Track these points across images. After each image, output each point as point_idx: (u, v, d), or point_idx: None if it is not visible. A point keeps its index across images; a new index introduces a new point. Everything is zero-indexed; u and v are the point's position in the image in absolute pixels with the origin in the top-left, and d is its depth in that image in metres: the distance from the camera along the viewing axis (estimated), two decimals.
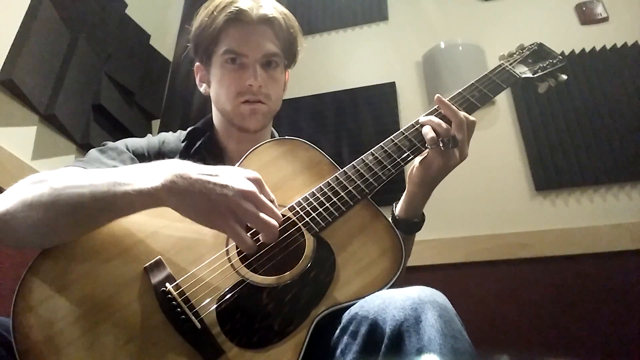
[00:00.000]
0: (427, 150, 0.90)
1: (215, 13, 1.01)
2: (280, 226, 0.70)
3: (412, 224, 0.99)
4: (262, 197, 0.69)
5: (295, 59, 1.11)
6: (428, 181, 0.93)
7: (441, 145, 0.86)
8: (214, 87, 1.05)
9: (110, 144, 0.99)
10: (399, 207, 1.01)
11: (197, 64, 1.10)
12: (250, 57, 1.00)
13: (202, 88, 1.10)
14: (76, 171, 0.80)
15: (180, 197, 0.67)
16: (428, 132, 0.88)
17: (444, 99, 0.91)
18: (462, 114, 0.90)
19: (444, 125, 0.87)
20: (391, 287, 0.74)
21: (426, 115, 0.92)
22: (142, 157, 0.99)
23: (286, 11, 1.07)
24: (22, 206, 0.70)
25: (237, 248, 0.75)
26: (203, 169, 0.69)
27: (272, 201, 0.71)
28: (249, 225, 0.69)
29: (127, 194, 0.67)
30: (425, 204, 0.98)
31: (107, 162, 0.93)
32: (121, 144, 1.00)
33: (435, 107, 0.93)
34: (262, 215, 0.68)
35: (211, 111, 1.14)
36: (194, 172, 0.68)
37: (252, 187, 0.68)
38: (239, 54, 1.00)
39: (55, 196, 0.70)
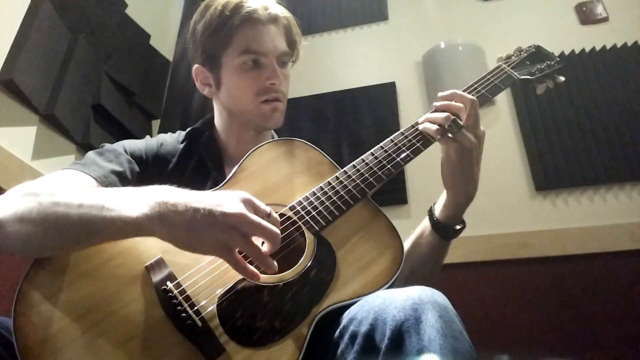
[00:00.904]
0: (443, 151, 0.90)
1: (226, 13, 0.98)
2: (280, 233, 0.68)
3: (452, 230, 0.94)
4: (252, 217, 0.64)
5: (297, 57, 1.11)
6: (457, 174, 0.90)
7: (448, 133, 0.86)
8: (228, 88, 1.03)
9: (108, 145, 0.99)
10: (438, 210, 0.95)
11: (196, 66, 1.06)
12: (269, 56, 1.00)
13: (206, 91, 1.07)
14: (67, 187, 0.78)
15: (168, 229, 0.64)
16: (430, 127, 0.89)
17: (438, 103, 0.93)
18: (459, 95, 0.91)
19: (441, 115, 0.88)
20: (391, 285, 0.74)
21: (425, 116, 0.93)
22: (139, 159, 0.99)
23: (286, 10, 1.07)
24: (12, 219, 0.70)
25: None
26: (191, 197, 0.65)
27: (268, 215, 0.68)
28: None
29: (113, 222, 0.65)
30: (467, 207, 0.93)
31: (105, 164, 0.92)
32: (119, 146, 1.00)
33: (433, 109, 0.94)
34: (250, 242, 0.65)
35: (211, 111, 1.13)
36: (183, 201, 0.64)
37: (241, 210, 0.64)
38: (259, 53, 0.99)
39: (43, 214, 0.69)
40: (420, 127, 0.91)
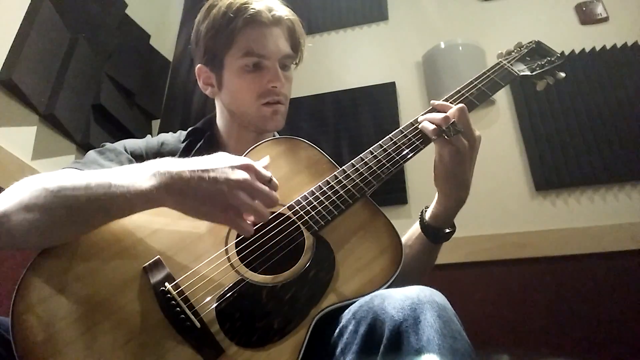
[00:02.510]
0: (437, 152, 0.90)
1: (230, 14, 0.98)
2: (276, 222, 0.73)
3: (442, 234, 0.94)
4: (256, 183, 0.70)
5: (301, 59, 1.11)
6: (450, 177, 0.90)
7: (444, 135, 0.85)
8: (229, 89, 1.03)
9: (108, 145, 0.99)
10: (429, 213, 0.96)
11: (199, 65, 1.06)
12: (271, 58, 1.00)
13: (208, 91, 1.08)
14: (72, 173, 0.79)
15: (177, 196, 0.68)
16: (428, 126, 0.89)
17: (436, 101, 0.93)
18: (448, 106, 0.91)
19: (440, 115, 0.87)
20: (390, 285, 0.74)
21: (423, 114, 0.93)
22: (140, 158, 0.99)
23: (291, 11, 1.07)
24: (18, 208, 0.70)
25: (236, 247, 0.76)
26: (195, 165, 0.69)
27: (269, 180, 0.72)
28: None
29: (123, 196, 0.67)
30: (458, 211, 0.93)
31: (105, 163, 0.92)
32: (119, 145, 1.00)
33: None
34: (255, 204, 0.70)
35: (211, 111, 1.13)
36: (188, 169, 0.68)
37: (244, 176, 0.69)
38: (261, 56, 0.99)
39: (51, 198, 0.70)
40: (420, 125, 0.91)
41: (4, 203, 0.72)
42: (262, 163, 0.76)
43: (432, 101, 0.94)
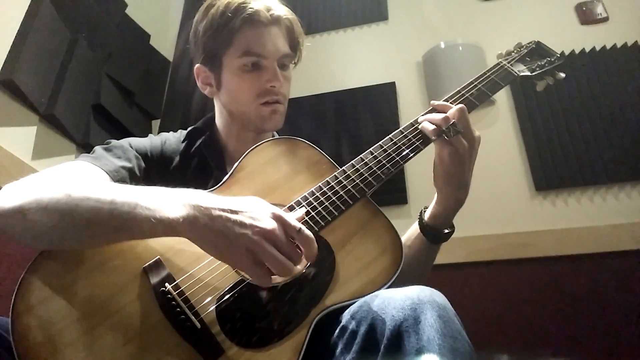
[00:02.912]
0: (436, 153, 0.90)
1: (228, 14, 0.98)
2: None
3: (441, 234, 0.94)
4: (280, 236, 0.65)
5: (300, 58, 1.11)
6: (449, 177, 0.89)
7: (444, 135, 0.85)
8: (228, 89, 1.03)
9: (114, 142, 0.98)
10: (427, 214, 0.96)
11: (197, 65, 1.06)
12: (269, 58, 0.99)
13: (207, 91, 1.07)
14: (98, 183, 0.77)
15: (200, 232, 0.65)
16: (428, 126, 0.89)
17: (436, 102, 0.93)
18: (448, 106, 0.91)
19: (440, 115, 0.87)
20: (391, 285, 0.74)
21: (423, 115, 0.93)
22: (144, 156, 0.99)
23: (290, 11, 1.07)
24: (36, 207, 0.67)
25: None
26: (226, 203, 0.67)
27: (298, 231, 0.67)
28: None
29: (147, 220, 0.65)
30: (457, 211, 0.93)
31: (114, 160, 0.92)
32: (125, 142, 0.99)
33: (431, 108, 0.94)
34: (279, 257, 0.65)
35: (211, 111, 1.13)
36: (217, 207, 0.66)
37: (272, 225, 0.65)
38: (260, 56, 0.99)
39: (72, 205, 0.67)
40: (421, 125, 0.91)
41: (22, 196, 0.69)
42: (295, 215, 0.73)
43: (432, 102, 0.94)
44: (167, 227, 0.65)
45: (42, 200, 0.68)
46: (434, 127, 0.88)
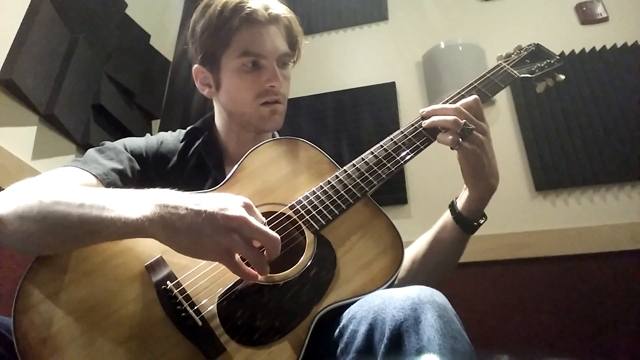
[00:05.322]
0: (459, 156, 0.90)
1: (226, 14, 0.97)
2: (278, 221, 0.71)
3: (476, 224, 0.95)
4: (254, 221, 0.65)
5: (299, 57, 1.10)
6: (479, 172, 0.90)
7: (460, 140, 0.85)
8: (227, 90, 1.03)
9: (108, 143, 0.98)
10: (460, 205, 0.95)
11: (196, 66, 1.06)
12: (268, 57, 0.99)
13: (206, 92, 1.07)
14: (69, 187, 0.77)
15: (168, 231, 0.64)
16: (444, 138, 0.87)
17: (426, 108, 0.92)
18: (445, 107, 0.90)
19: (449, 118, 0.86)
20: (391, 284, 0.74)
21: (425, 121, 0.91)
22: (139, 157, 0.99)
23: (288, 9, 1.06)
24: (13, 216, 0.70)
25: None
26: (192, 200, 0.65)
27: (264, 224, 0.67)
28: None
29: (114, 222, 0.65)
30: (490, 198, 0.95)
31: (105, 162, 0.92)
32: (119, 144, 0.99)
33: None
34: (251, 246, 0.65)
35: (211, 111, 1.13)
36: (184, 204, 0.65)
37: (243, 213, 0.64)
38: (259, 55, 0.98)
39: (44, 212, 0.69)
40: (438, 138, 0.89)
41: (2, 207, 0.71)
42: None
43: (428, 109, 0.92)
44: (134, 229, 0.65)
45: (19, 209, 0.70)
46: (451, 137, 0.86)
